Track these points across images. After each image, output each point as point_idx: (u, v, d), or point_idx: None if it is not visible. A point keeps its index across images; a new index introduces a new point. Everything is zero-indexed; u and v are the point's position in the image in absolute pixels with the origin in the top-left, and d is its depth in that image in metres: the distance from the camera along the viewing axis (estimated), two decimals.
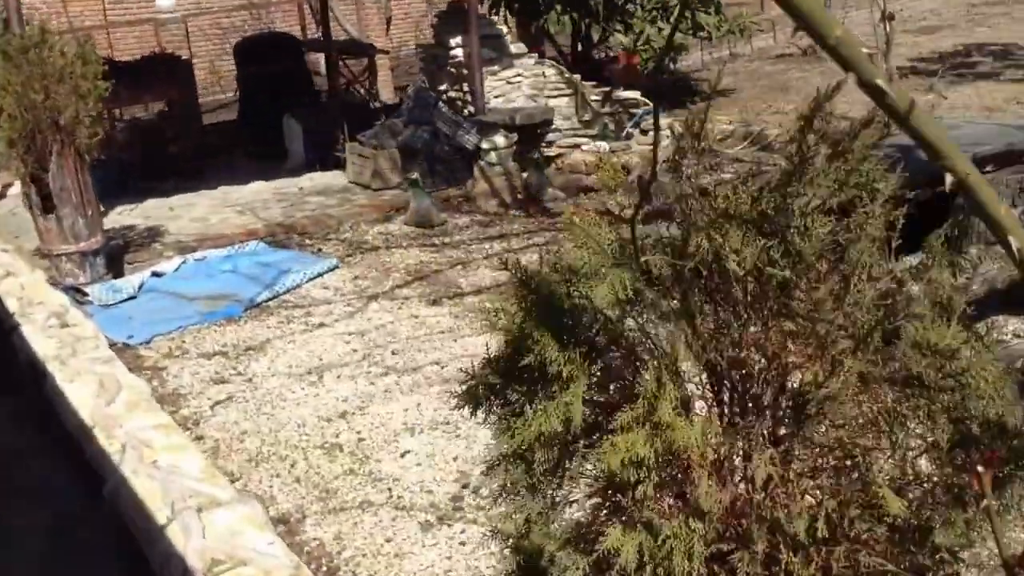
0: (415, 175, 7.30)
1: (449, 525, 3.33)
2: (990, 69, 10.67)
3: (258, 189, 8.61)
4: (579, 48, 11.17)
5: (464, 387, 1.74)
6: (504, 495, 1.65)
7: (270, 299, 5.88)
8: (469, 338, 5.04)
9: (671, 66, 12.65)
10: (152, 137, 9.31)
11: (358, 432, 4.07)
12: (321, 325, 5.41)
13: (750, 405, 1.43)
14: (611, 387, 1.59)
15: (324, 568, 3.14)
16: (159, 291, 6.13)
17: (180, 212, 7.96)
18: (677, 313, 1.52)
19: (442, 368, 4.68)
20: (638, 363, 1.59)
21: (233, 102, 12.40)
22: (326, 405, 4.35)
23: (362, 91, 9.45)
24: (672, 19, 10.27)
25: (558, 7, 9.95)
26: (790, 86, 11.39)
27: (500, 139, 7.79)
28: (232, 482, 3.73)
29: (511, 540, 1.66)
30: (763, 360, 1.46)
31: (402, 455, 3.85)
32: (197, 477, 3.49)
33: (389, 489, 3.60)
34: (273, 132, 9.68)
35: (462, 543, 3.22)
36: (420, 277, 6.12)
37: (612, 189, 2.05)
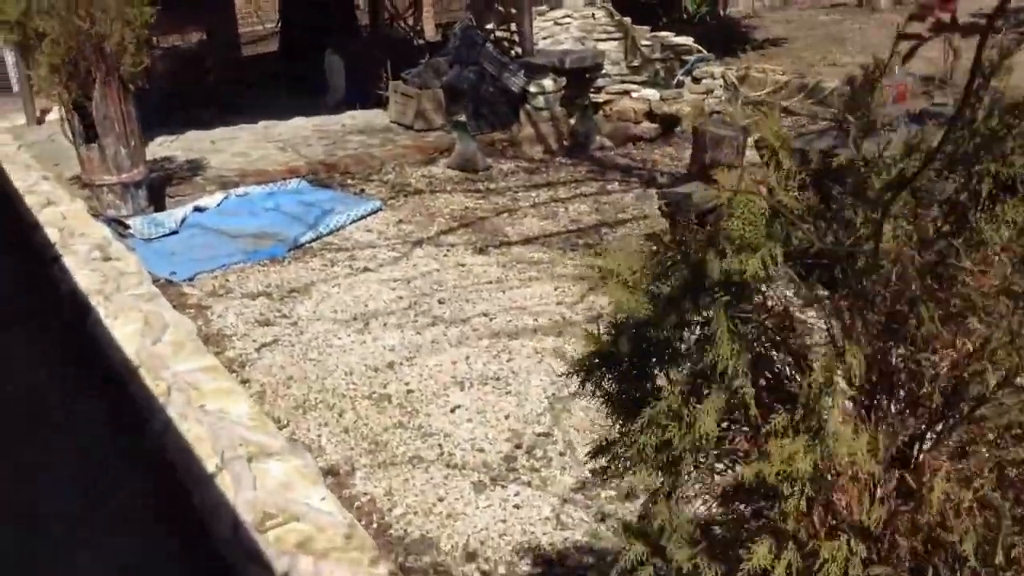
0: (461, 117, 7.11)
1: (503, 487, 3.24)
2: None
3: (299, 125, 8.47)
4: None
5: (581, 354, 1.60)
6: (616, 473, 1.53)
7: (314, 240, 5.78)
8: (517, 289, 4.92)
9: (721, 11, 12.29)
10: (192, 66, 9.16)
11: (407, 384, 3.98)
12: (366, 270, 5.30)
13: (919, 411, 1.30)
14: (760, 380, 1.46)
15: (375, 525, 3.07)
16: (202, 227, 6.04)
17: (221, 146, 7.84)
18: (836, 299, 1.37)
19: (490, 320, 4.57)
20: (798, 357, 1.46)
21: (272, 35, 12.21)
22: (373, 354, 4.26)
23: (405, 27, 9.21)
24: None
25: None
26: (845, 37, 11.03)
27: (548, 83, 7.57)
28: (280, 429, 3.66)
29: (631, 524, 1.54)
30: (935, 360, 1.32)
31: (452, 410, 3.76)
32: (247, 424, 3.43)
33: (440, 445, 3.52)
34: (314, 66, 9.50)
35: (516, 506, 3.14)
36: (465, 224, 5.98)
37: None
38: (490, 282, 5.04)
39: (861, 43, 10.67)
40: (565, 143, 7.54)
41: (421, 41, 9.15)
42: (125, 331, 4.30)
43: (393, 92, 8.33)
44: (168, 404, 3.60)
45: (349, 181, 7.01)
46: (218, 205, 6.40)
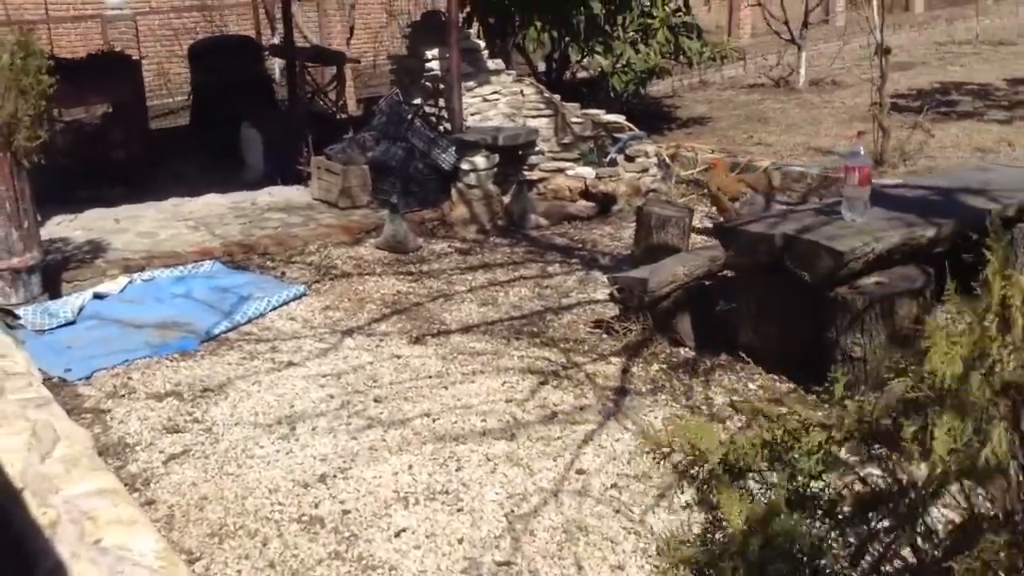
0: (393, 199, 6.69)
1: None
2: (972, 108, 10.47)
3: (212, 202, 7.93)
4: (553, 68, 10.69)
5: None
6: None
7: (230, 330, 5.23)
8: (460, 385, 4.47)
9: (641, 90, 12.23)
10: (96, 141, 8.57)
11: (342, 502, 3.46)
12: (290, 364, 4.77)
13: None
14: None
15: None
16: (102, 317, 5.43)
17: (126, 225, 7.24)
18: None
19: (433, 421, 4.09)
20: None
21: (182, 108, 11.69)
22: (301, 465, 3.73)
23: (327, 101, 8.84)
24: (655, 41, 9.83)
25: (537, 24, 9.46)
26: (768, 116, 11.07)
27: (481, 160, 7.24)
28: (191, 563, 3.10)
29: None
30: None
31: (397, 534, 3.25)
32: (152, 566, 2.85)
33: None
34: (229, 141, 9.01)
35: None
36: (399, 310, 5.52)
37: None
38: (430, 376, 4.57)
39: (784, 122, 10.71)
40: (499, 222, 7.19)
41: (344, 116, 8.76)
42: (9, 444, 3.67)
43: (316, 168, 7.88)
44: (57, 540, 3.00)
45: (269, 263, 6.49)
46: (121, 291, 5.80)
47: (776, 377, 4.42)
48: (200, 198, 8.03)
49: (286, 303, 5.63)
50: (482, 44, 8.64)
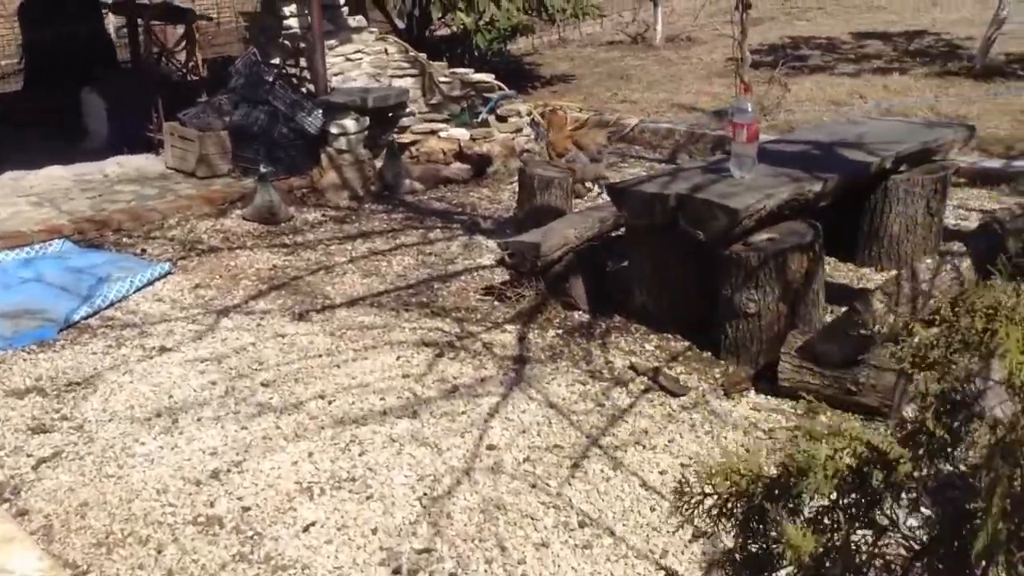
0: (264, 166, 6.31)
1: None
2: (822, 62, 10.85)
3: (55, 175, 7.30)
4: (414, 25, 10.39)
5: None
6: None
7: (90, 315, 4.81)
8: (354, 362, 4.26)
9: (504, 48, 12.10)
10: None
11: (240, 499, 3.22)
12: (163, 349, 4.43)
13: None
14: None
15: None
16: None
17: None
18: None
19: (329, 403, 3.88)
20: None
21: (15, 72, 10.73)
22: (190, 461, 3.46)
23: (176, 63, 8.26)
24: None
25: None
26: (630, 74, 11.14)
27: (350, 123, 6.93)
28: None
29: None
30: None
31: (305, 529, 3.06)
32: None
33: None
34: (68, 107, 8.32)
35: None
36: (277, 286, 5.22)
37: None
38: (319, 355, 4.34)
39: (645, 79, 10.81)
40: (372, 188, 6.93)
41: (194, 78, 8.21)
42: None
43: (169, 135, 7.37)
44: None
45: (126, 240, 6.03)
46: None
47: (671, 336, 4.42)
48: (41, 171, 7.38)
49: (150, 283, 5.23)
50: (342, 0, 8.26)
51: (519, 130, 7.68)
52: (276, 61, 7.90)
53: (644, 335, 4.46)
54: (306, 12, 7.84)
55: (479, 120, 7.93)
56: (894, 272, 4.10)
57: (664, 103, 9.51)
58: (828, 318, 4.30)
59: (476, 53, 9.87)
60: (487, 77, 8.29)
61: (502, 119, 7.85)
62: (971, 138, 5.27)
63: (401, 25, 10.48)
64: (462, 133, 7.44)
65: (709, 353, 4.24)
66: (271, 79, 7.20)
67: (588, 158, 7.30)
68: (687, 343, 4.36)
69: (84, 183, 7.09)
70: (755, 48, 12.13)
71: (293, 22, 7.83)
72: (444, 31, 11.57)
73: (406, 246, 5.84)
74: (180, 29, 8.77)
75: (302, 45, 7.81)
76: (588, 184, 6.69)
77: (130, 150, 7.89)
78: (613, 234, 5.00)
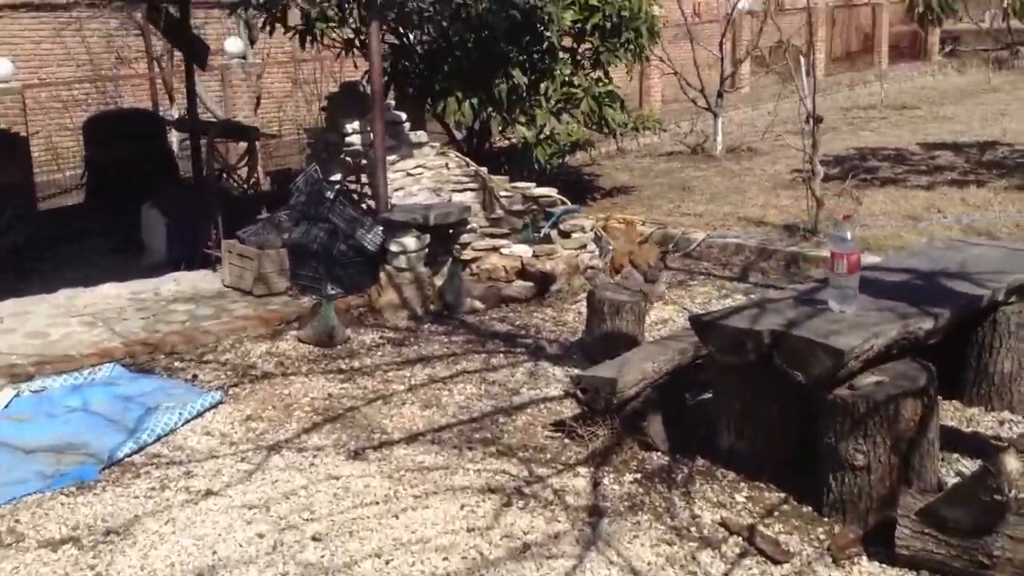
0: (330, 287, 6.09)
1: None
2: (892, 174, 10.51)
3: (110, 293, 7.18)
4: (474, 140, 10.31)
5: None
6: None
7: (135, 452, 4.53)
8: (412, 512, 3.88)
9: (563, 161, 11.95)
10: None
11: None
12: (209, 493, 4.11)
13: None
14: None
15: None
16: None
17: (12, 324, 6.44)
18: None
19: (386, 563, 3.50)
20: None
21: (75, 186, 10.86)
22: None
23: (238, 179, 8.23)
24: (579, 112, 9.56)
25: (459, 94, 9.08)
26: (692, 185, 10.90)
27: (411, 241, 6.72)
28: None
29: None
30: None
31: None
32: None
33: None
34: (128, 223, 8.29)
35: None
36: (331, 418, 4.91)
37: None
38: (376, 502, 3.98)
39: (707, 190, 10.55)
40: (432, 307, 6.67)
41: (253, 193, 8.16)
42: None
43: (227, 253, 7.24)
44: None
45: (177, 364, 5.80)
46: (6, 407, 5.04)
47: (763, 485, 3.99)
48: (96, 288, 7.27)
49: (200, 414, 4.96)
50: (403, 116, 8.19)
51: (583, 246, 7.41)
52: (337, 177, 7.81)
53: (732, 483, 4.03)
54: (367, 129, 7.79)
55: (541, 235, 7.69)
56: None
57: (729, 216, 9.21)
58: (942, 468, 3.85)
59: (536, 166, 9.71)
60: (549, 191, 8.08)
61: (565, 235, 7.59)
62: None
63: (459, 136, 10.42)
64: (524, 250, 7.18)
65: (809, 508, 3.79)
66: (332, 196, 7.06)
67: (642, 277, 6.98)
68: (782, 495, 3.92)
69: (139, 302, 6.95)
70: (821, 160, 11.87)
71: (355, 139, 7.77)
72: (503, 143, 11.51)
73: (468, 372, 5.51)
74: (242, 144, 8.79)
75: (363, 161, 7.72)
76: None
77: (188, 267, 7.79)
78: (693, 366, 4.62)
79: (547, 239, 7.64)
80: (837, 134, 13.77)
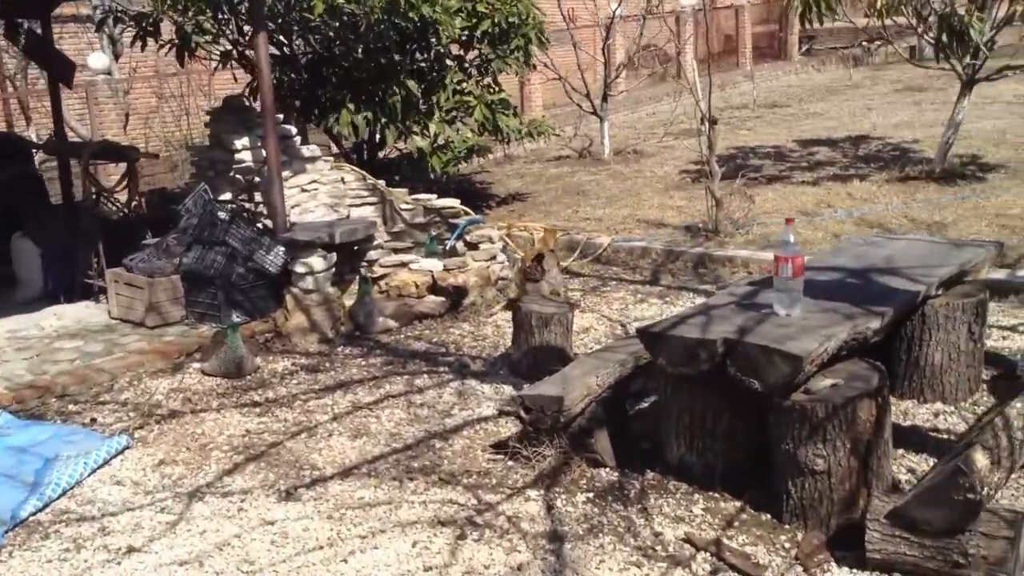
0: (239, 317, 5.72)
1: None
2: (776, 172, 10.79)
3: None
4: (364, 151, 10.01)
5: None
6: None
7: (40, 509, 4.10)
8: (361, 554, 3.63)
9: (458, 170, 11.78)
10: None
11: None
12: (131, 550, 3.74)
13: None
14: None
15: None
16: None
17: None
18: None
19: None
20: None
21: None
22: None
23: (115, 202, 7.68)
24: (473, 120, 9.41)
25: (350, 106, 8.78)
26: (586, 190, 10.91)
27: (317, 261, 6.41)
28: None
29: None
30: None
31: None
32: None
33: None
34: None
35: None
36: (254, 456, 4.58)
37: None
38: (319, 547, 3.70)
39: (602, 194, 10.58)
40: (343, 329, 6.38)
41: (135, 217, 7.61)
42: None
43: (114, 282, 6.73)
44: None
45: (71, 407, 5.32)
46: None
47: (717, 495, 3.92)
48: None
49: (107, 462, 4.54)
50: (293, 130, 7.86)
51: (493, 257, 7.25)
52: (227, 196, 7.40)
53: (687, 495, 3.95)
54: (258, 145, 7.42)
55: (447, 248, 7.49)
56: (984, 415, 3.70)
57: (628, 219, 9.24)
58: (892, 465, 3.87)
59: (432, 175, 9.50)
60: (452, 202, 7.89)
61: (472, 246, 7.41)
62: (1000, 254, 5.02)
63: (348, 148, 10.10)
64: (434, 264, 6.97)
65: (769, 516, 3.74)
66: (227, 217, 6.67)
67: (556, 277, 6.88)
68: (738, 503, 3.86)
69: (18, 340, 6.38)
70: (704, 159, 12.10)
71: (246, 155, 7.39)
72: (392, 153, 11.24)
73: (392, 396, 5.26)
74: (120, 166, 8.22)
75: (256, 179, 7.34)
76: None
77: (68, 299, 7.22)
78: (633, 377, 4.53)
79: (454, 252, 7.45)
80: (716, 134, 14.07)
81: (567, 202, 10.30)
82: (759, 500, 3.83)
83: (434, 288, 6.85)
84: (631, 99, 17.65)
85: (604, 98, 12.87)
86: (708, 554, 3.49)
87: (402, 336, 6.33)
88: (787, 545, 3.55)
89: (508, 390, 5.24)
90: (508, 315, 6.61)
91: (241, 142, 7.36)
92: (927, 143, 11.30)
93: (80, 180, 7.61)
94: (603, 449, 4.21)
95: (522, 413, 4.22)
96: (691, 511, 3.83)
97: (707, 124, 8.52)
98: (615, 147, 13.20)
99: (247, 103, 8.05)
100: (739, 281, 6.22)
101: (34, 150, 8.54)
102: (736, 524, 3.72)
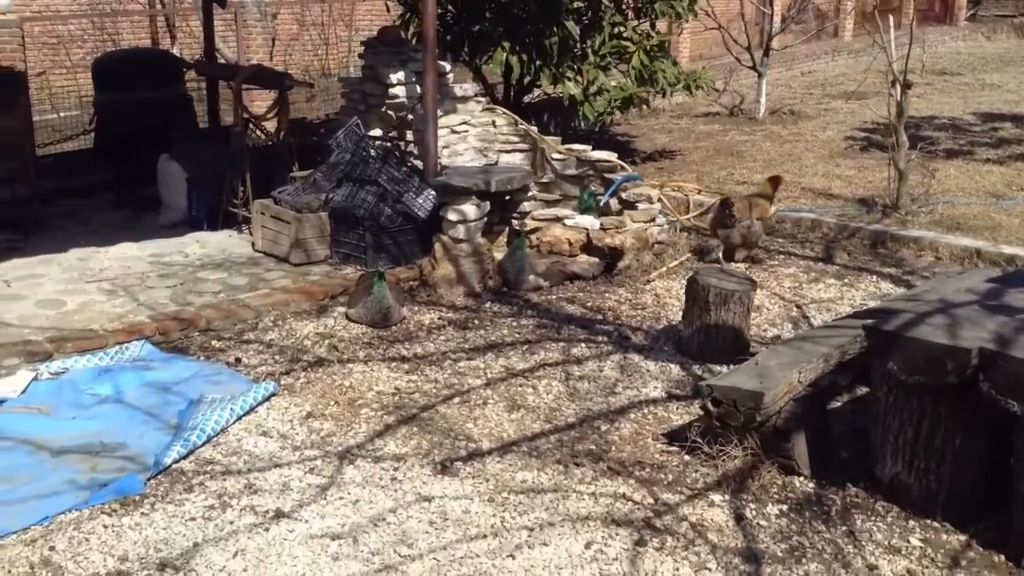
0: (383, 264, 5.41)
1: None
2: (956, 146, 9.85)
3: (128, 255, 6.45)
4: (511, 94, 9.54)
5: None
6: None
7: (184, 456, 3.86)
8: (529, 550, 3.25)
9: (613, 120, 11.16)
10: None
11: None
12: (279, 515, 3.45)
13: None
14: None
15: None
16: (2, 435, 3.96)
17: (20, 290, 5.71)
18: None
19: None
20: None
21: (77, 133, 9.98)
22: None
23: (263, 131, 7.46)
24: (631, 67, 8.81)
25: (506, 44, 8.30)
26: (740, 151, 10.20)
27: (471, 209, 6.02)
28: None
29: None
30: None
31: None
32: None
33: None
34: (142, 175, 7.51)
35: None
36: (406, 418, 4.24)
37: None
38: (483, 535, 3.33)
39: (759, 157, 9.86)
40: (491, 283, 5.99)
41: (283, 148, 7.35)
42: None
43: (260, 214, 6.49)
44: None
45: (215, 343, 5.10)
46: (23, 393, 4.34)
47: (937, 525, 3.38)
48: (111, 248, 6.53)
49: (253, 409, 4.28)
50: (448, 67, 7.43)
51: (652, 219, 6.71)
52: (377, 132, 7.07)
53: (899, 521, 3.42)
54: (412, 80, 7.03)
55: (601, 204, 6.99)
56: None
57: (791, 187, 8.52)
58: None
59: (584, 124, 8.98)
60: (609, 155, 7.36)
61: (629, 205, 6.88)
62: None
63: (497, 94, 9.65)
64: (591, 222, 6.48)
65: (1002, 558, 3.19)
66: (382, 155, 6.32)
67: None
68: (962, 537, 3.32)
69: (162, 266, 6.22)
70: (869, 127, 11.18)
71: (400, 90, 7.02)
72: (540, 98, 10.73)
73: (548, 365, 4.85)
74: (272, 94, 8.00)
75: (409, 116, 6.97)
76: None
77: (211, 227, 7.05)
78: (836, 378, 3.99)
79: (606, 209, 6.95)
80: (882, 100, 13.04)
81: (720, 163, 9.64)
82: (987, 536, 3.29)
83: (588, 247, 6.38)
84: (786, 56, 16.59)
85: (766, 52, 12.00)
86: None
87: (553, 297, 5.90)
88: None
89: (675, 370, 4.77)
90: (668, 284, 6.14)
91: (396, 76, 6.99)
92: None
93: (232, 105, 7.37)
94: (799, 455, 3.71)
95: (710, 406, 3.74)
96: (908, 541, 3.31)
97: (899, 87, 7.70)
98: (770, 106, 12.36)
99: (402, 35, 7.67)
100: (950, 272, 5.57)
101: (185, 70, 8.36)
102: (963, 563, 3.19)
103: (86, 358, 4.73)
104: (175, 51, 12.99)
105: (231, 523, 3.40)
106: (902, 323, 3.36)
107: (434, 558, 3.19)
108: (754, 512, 3.50)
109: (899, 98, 7.72)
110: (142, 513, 3.46)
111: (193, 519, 3.42)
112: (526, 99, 9.98)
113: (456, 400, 4.43)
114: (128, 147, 7.65)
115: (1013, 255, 6.26)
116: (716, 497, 3.60)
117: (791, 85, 14.75)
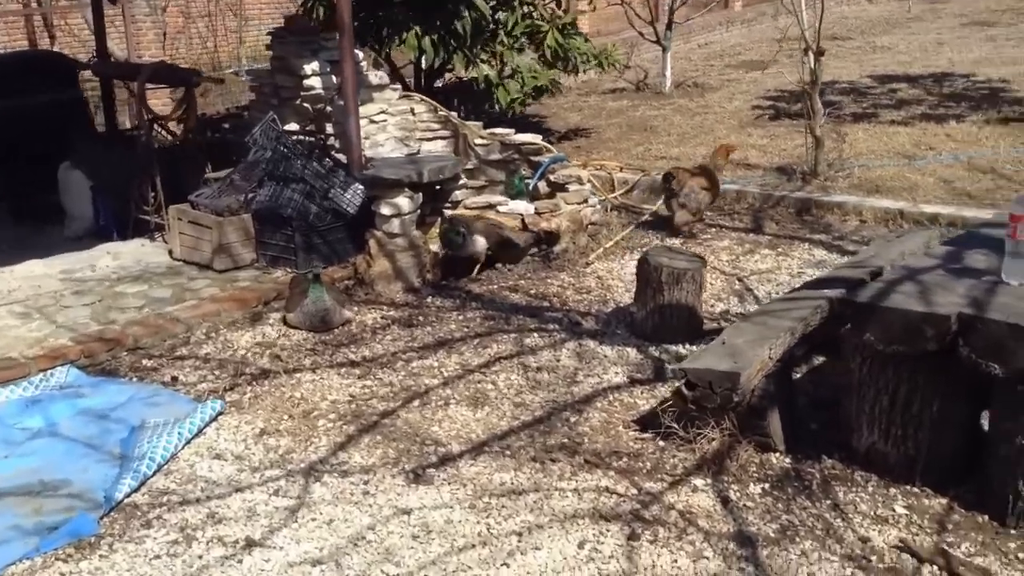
0: (318, 265, 5.17)
1: None
2: (860, 109, 10.08)
3: (35, 272, 6.04)
4: (422, 80, 9.33)
5: None
6: None
7: (136, 489, 3.60)
8: (521, 556, 3.13)
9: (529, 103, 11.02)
10: None
11: None
12: (251, 544, 3.24)
13: None
14: None
15: None
16: None
17: None
18: None
19: None
20: None
21: None
22: None
23: (167, 131, 7.06)
24: (545, 47, 8.70)
25: (417, 28, 8.08)
26: (653, 125, 10.23)
27: (404, 202, 5.83)
28: None
29: None
30: None
31: None
32: None
33: None
34: (42, 185, 7.04)
35: None
36: (366, 427, 4.06)
37: None
38: (471, 545, 3.20)
39: (671, 131, 9.90)
40: (429, 277, 5.82)
41: (192, 148, 6.98)
42: None
43: (176, 220, 6.15)
44: None
45: (146, 362, 4.80)
46: None
47: (917, 491, 3.41)
48: (16, 267, 6.11)
49: (201, 431, 4.03)
50: (361, 55, 7.18)
51: (585, 200, 6.65)
52: (293, 127, 6.79)
53: (881, 489, 3.43)
54: (327, 71, 6.77)
55: (530, 189, 6.89)
56: None
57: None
58: None
59: (498, 110, 8.83)
60: (534, 138, 7.26)
61: (559, 187, 6.80)
62: None
63: (408, 80, 9.41)
64: (525, 207, 6.37)
65: (986, 518, 3.23)
66: (304, 151, 6.06)
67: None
68: (943, 501, 3.35)
69: (76, 282, 5.83)
70: (773, 95, 11.38)
71: (315, 81, 6.75)
72: (450, 82, 10.53)
73: (504, 358, 4.73)
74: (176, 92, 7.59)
75: (328, 108, 6.72)
76: None
77: (121, 236, 6.66)
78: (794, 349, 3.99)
79: (535, 193, 6.85)
80: (780, 68, 13.31)
81: (636, 139, 9.64)
82: (967, 498, 3.33)
83: (523, 233, 6.26)
84: (683, 29, 16.72)
85: (669, 26, 12.06)
86: (936, 567, 2.98)
87: (495, 287, 5.77)
88: (1021, 555, 3.04)
89: (632, 353, 4.71)
90: (608, 265, 6.09)
91: (310, 67, 6.73)
92: (1018, 82, 10.58)
93: (129, 106, 6.97)
94: (775, 432, 3.69)
95: (684, 389, 3.68)
96: (893, 509, 3.32)
97: (811, 55, 7.82)
98: (675, 80, 12.45)
99: (312, 23, 7.38)
100: (889, 236, 5.65)
101: (79, 71, 7.86)
102: (950, 527, 3.22)
103: (8, 389, 4.39)
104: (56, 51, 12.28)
105: (200, 557, 3.17)
106: (875, 293, 3.35)
107: (425, 574, 3.04)
108: (738, 494, 3.46)
109: (812, 65, 7.83)
110: (100, 556, 3.20)
111: (158, 556, 3.19)
112: (437, 84, 9.78)
113: (416, 403, 4.27)
114: (23, 158, 7.14)
115: (935, 213, 6.43)
116: (698, 481, 3.54)
117: (691, 58, 14.91)
